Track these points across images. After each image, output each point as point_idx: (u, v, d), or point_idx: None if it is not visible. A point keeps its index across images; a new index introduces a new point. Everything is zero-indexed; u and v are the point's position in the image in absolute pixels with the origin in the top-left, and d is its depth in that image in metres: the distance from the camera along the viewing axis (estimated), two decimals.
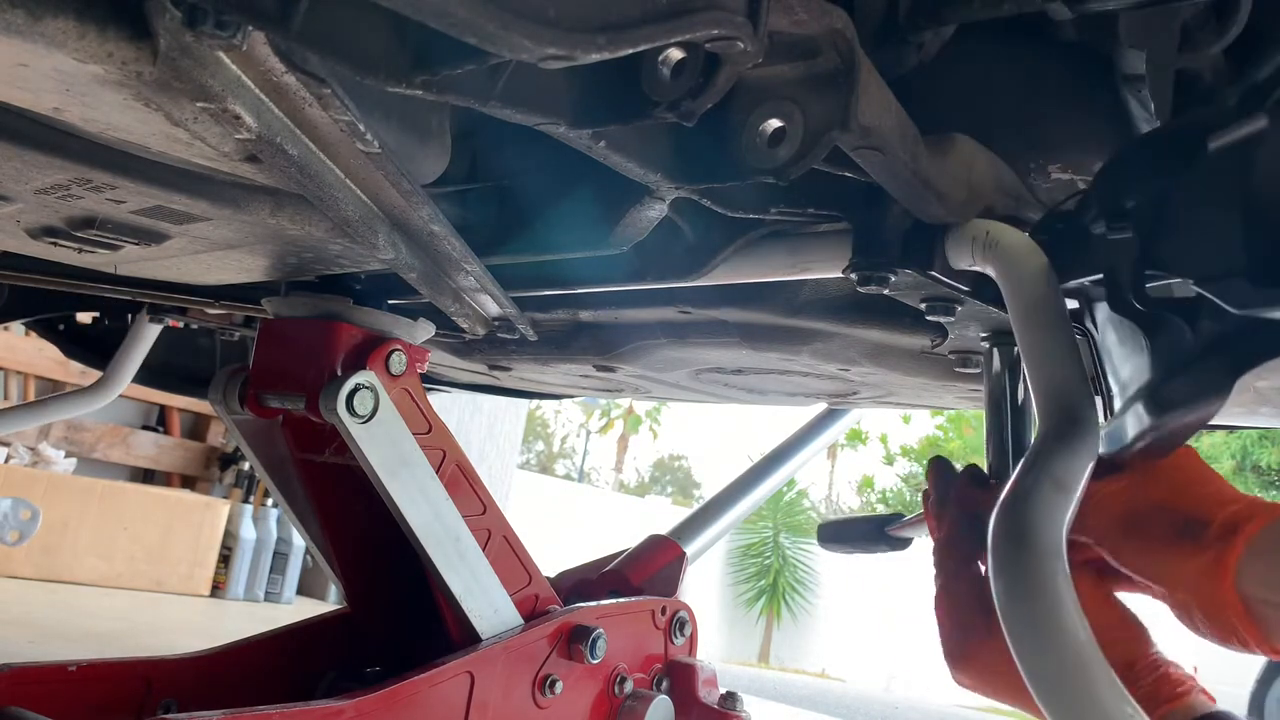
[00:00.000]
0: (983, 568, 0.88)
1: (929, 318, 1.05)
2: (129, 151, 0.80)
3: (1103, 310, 0.80)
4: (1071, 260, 0.76)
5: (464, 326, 1.11)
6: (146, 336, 2.05)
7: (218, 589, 3.99)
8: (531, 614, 1.30)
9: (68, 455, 4.09)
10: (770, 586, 15.41)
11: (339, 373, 1.17)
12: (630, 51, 0.55)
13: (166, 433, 4.59)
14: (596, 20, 0.52)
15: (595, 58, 0.53)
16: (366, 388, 1.15)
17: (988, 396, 1.17)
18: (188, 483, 4.57)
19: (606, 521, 12.70)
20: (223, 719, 0.99)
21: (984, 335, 1.18)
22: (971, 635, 0.83)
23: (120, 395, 4.32)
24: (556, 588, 1.39)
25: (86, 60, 0.55)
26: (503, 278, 1.07)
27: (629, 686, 1.37)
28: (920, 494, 1.01)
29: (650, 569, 1.58)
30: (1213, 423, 1.27)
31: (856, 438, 21.85)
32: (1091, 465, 0.67)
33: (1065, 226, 0.78)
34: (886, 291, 0.95)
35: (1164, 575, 0.67)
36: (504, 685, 1.22)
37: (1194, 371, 0.70)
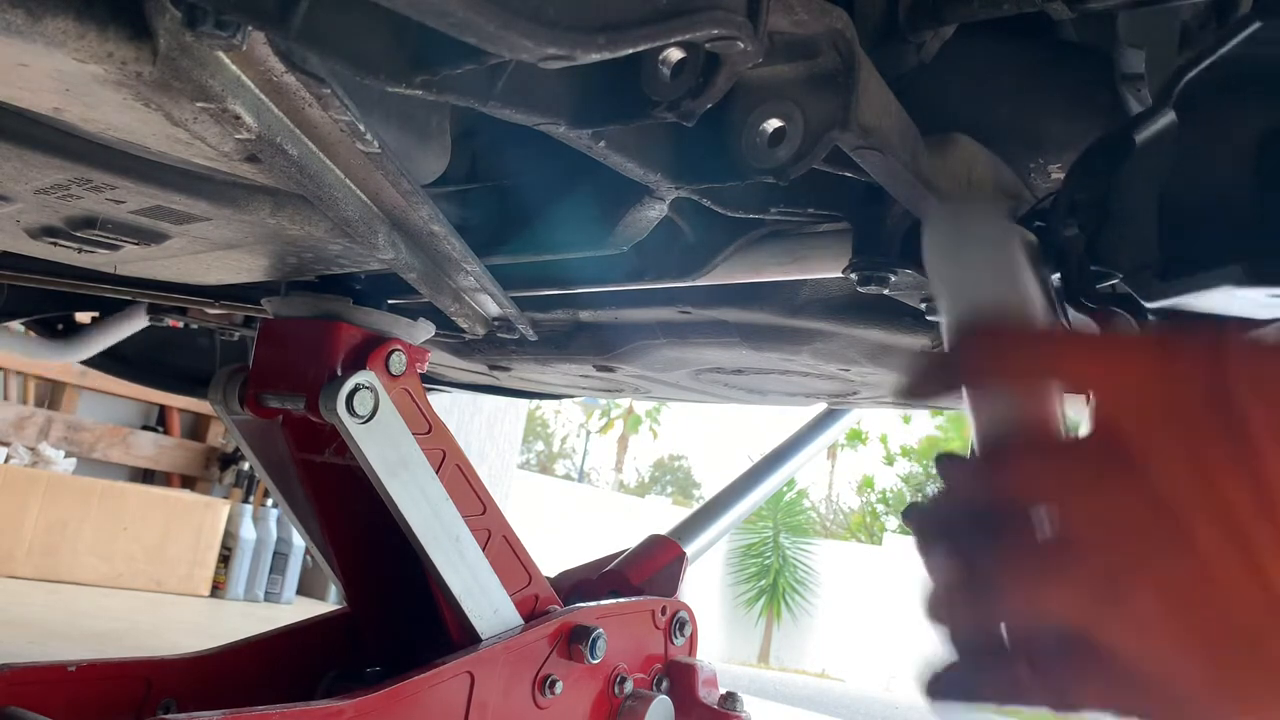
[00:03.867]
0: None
1: (929, 318, 1.05)
2: (129, 151, 0.80)
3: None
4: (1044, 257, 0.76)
5: (464, 326, 1.11)
6: (134, 322, 2.02)
7: (218, 589, 3.99)
8: (531, 614, 1.30)
9: (68, 455, 4.09)
10: (770, 586, 15.40)
11: (339, 373, 1.17)
12: (630, 51, 0.55)
13: (166, 433, 4.59)
14: (596, 20, 0.52)
15: (595, 58, 0.53)
16: (366, 388, 1.15)
17: None
18: (188, 483, 4.57)
19: (606, 521, 12.70)
20: (223, 719, 0.99)
21: None
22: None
23: (120, 395, 4.34)
24: (556, 588, 1.39)
25: (86, 60, 0.55)
26: (503, 278, 1.07)
27: (629, 686, 1.37)
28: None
29: (650, 569, 1.58)
30: None
31: (856, 438, 21.85)
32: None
33: (1042, 225, 0.78)
34: (886, 291, 0.95)
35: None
36: (504, 685, 1.22)
37: None
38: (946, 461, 0.45)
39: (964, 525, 0.43)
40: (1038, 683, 0.40)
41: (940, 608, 0.44)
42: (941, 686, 0.43)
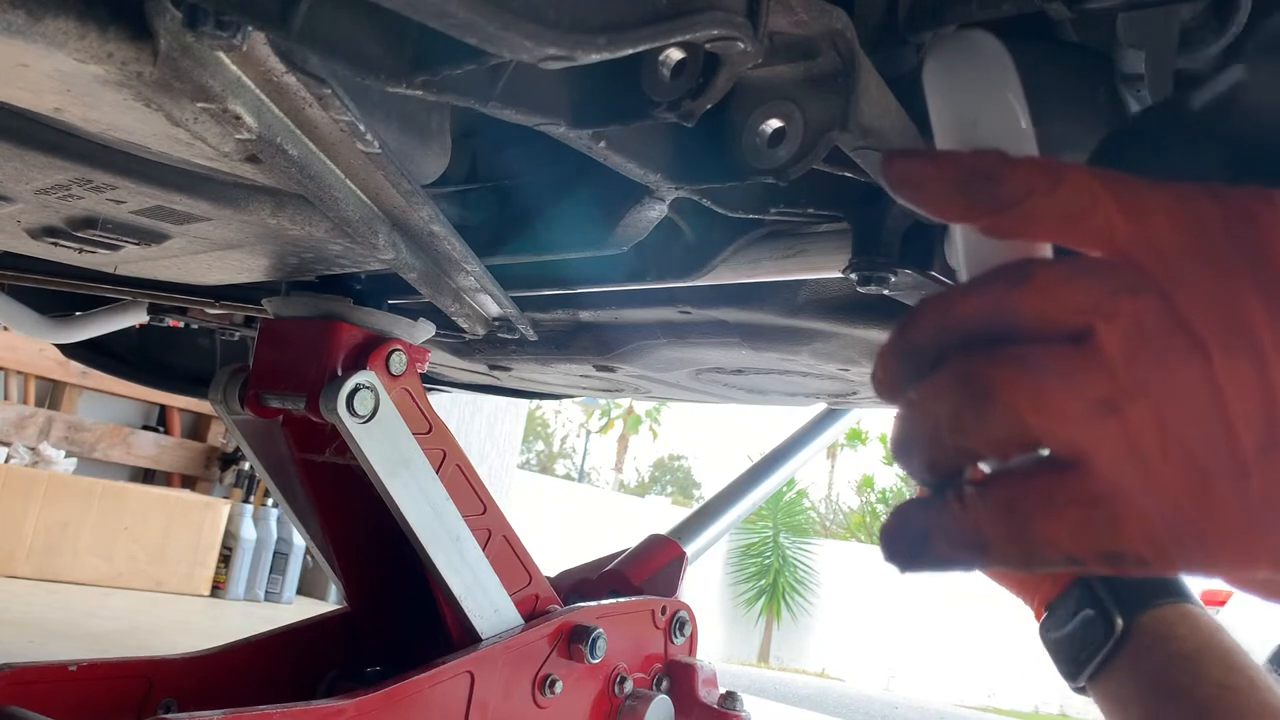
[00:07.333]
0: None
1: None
2: (129, 152, 0.80)
3: None
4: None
5: (464, 326, 1.11)
6: (131, 314, 2.01)
7: (218, 589, 3.99)
8: (531, 614, 1.30)
9: (68, 455, 4.09)
10: (770, 586, 15.41)
11: (339, 373, 1.18)
12: (630, 52, 0.55)
13: (167, 433, 4.60)
14: (596, 20, 0.52)
15: (595, 58, 0.53)
16: (367, 388, 1.15)
17: None
18: (188, 483, 4.57)
19: (606, 521, 12.70)
20: (223, 719, 0.99)
21: None
22: None
23: (120, 395, 4.33)
24: (556, 588, 1.39)
25: (87, 60, 0.55)
26: (503, 278, 1.07)
27: (629, 686, 1.37)
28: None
29: (650, 569, 1.59)
30: None
31: (856, 438, 21.86)
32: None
33: None
34: (886, 291, 0.95)
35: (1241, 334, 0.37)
36: (504, 685, 1.22)
37: None
38: (937, 295, 0.41)
39: (962, 342, 0.39)
40: (1002, 528, 0.37)
41: (919, 441, 0.39)
42: (900, 544, 0.40)
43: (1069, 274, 0.38)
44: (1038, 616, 0.76)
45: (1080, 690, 0.72)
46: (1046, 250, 0.43)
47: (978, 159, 0.40)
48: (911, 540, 0.40)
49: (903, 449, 0.41)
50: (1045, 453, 0.38)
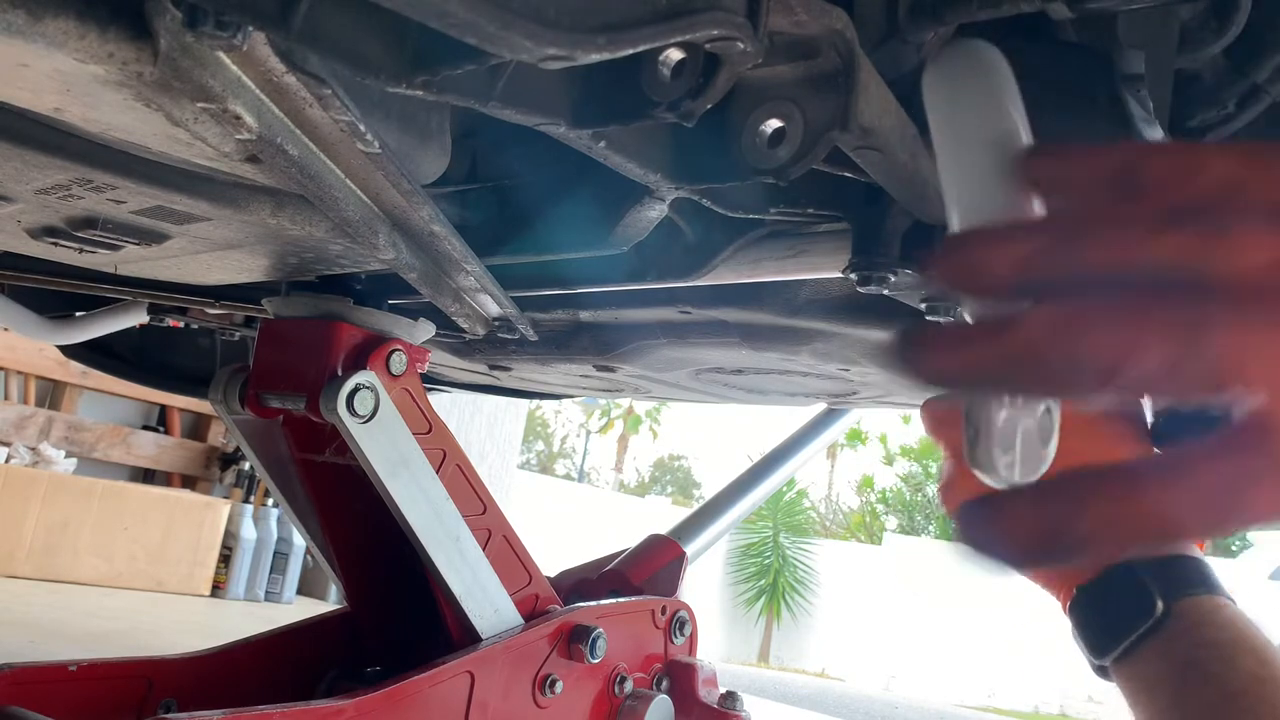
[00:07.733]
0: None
1: (929, 318, 1.05)
2: (129, 152, 0.80)
3: None
4: None
5: (464, 326, 1.11)
6: (131, 314, 2.00)
7: (218, 589, 3.99)
8: (531, 614, 1.30)
9: (68, 455, 4.09)
10: (770, 586, 15.41)
11: (339, 373, 1.18)
12: (630, 52, 0.55)
13: (167, 432, 4.59)
14: (596, 20, 0.52)
15: (595, 58, 0.53)
16: (367, 388, 1.15)
17: None
18: (188, 483, 4.57)
19: (606, 521, 12.70)
20: (223, 719, 0.99)
21: None
22: None
23: (120, 395, 4.33)
24: (556, 588, 1.39)
25: (87, 60, 0.55)
26: (503, 278, 1.07)
27: (629, 686, 1.37)
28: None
29: (650, 569, 1.59)
30: None
31: (856, 438, 21.88)
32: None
33: None
34: (886, 291, 0.95)
35: None
36: (504, 685, 1.22)
37: None
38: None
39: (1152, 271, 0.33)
40: (1200, 507, 0.32)
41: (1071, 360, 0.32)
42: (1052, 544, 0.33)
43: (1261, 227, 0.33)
44: (1064, 604, 0.76)
45: (1100, 670, 0.72)
46: (1038, 205, 0.42)
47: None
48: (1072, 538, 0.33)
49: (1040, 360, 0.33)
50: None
